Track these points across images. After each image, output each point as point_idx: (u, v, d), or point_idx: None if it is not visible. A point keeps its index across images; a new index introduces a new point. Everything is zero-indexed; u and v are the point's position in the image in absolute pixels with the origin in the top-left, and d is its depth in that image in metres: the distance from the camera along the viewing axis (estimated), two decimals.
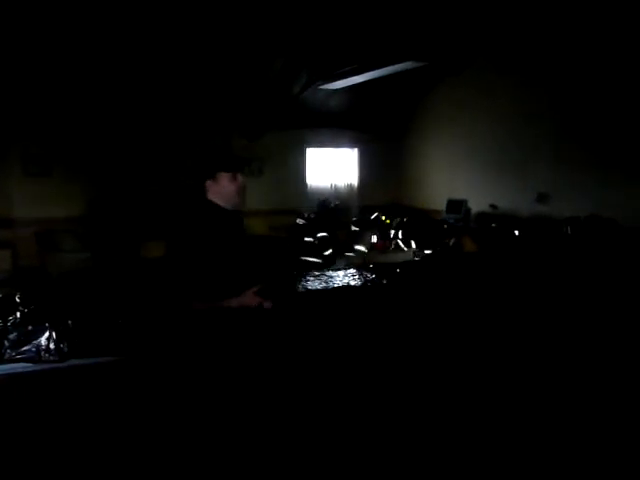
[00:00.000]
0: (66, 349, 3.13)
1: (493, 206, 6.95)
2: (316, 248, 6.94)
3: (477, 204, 7.25)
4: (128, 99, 6.91)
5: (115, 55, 6.00)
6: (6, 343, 3.08)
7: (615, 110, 5.63)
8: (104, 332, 3.28)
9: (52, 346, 3.10)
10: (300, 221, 7.41)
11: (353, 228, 7.70)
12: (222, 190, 2.70)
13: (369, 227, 7.62)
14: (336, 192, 9.11)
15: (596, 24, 5.61)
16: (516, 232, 6.04)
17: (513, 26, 6.25)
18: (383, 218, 7.54)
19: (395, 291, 4.15)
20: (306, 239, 7.21)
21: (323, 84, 7.18)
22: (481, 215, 7.08)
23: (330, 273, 4.50)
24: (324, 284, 4.16)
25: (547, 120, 6.44)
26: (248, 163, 2.92)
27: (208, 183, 2.70)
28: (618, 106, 5.59)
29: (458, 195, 7.50)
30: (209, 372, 3.33)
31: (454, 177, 7.83)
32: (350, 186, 9.24)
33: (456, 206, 7.39)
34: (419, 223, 7.26)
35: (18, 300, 3.59)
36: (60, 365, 3.08)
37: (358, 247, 7.35)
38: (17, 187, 6.95)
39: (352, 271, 4.55)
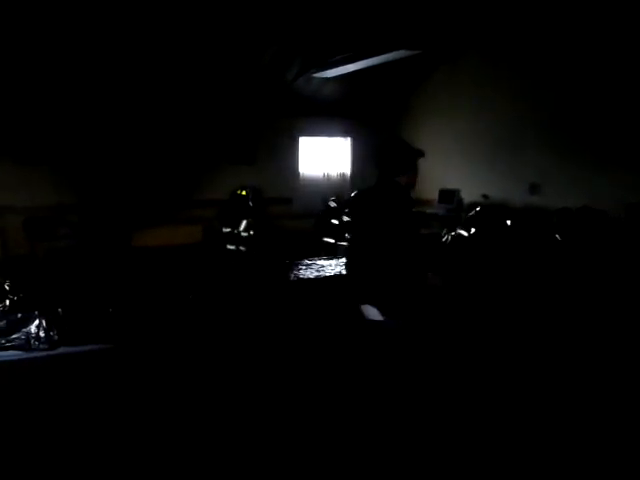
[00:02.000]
0: (56, 337, 3.12)
1: (485, 196, 6.97)
2: (341, 231, 7.28)
3: (469, 194, 7.25)
4: (118, 87, 6.83)
5: (104, 43, 5.92)
6: None
7: (608, 101, 5.63)
8: (94, 320, 3.26)
9: (42, 334, 3.09)
10: (332, 204, 7.84)
11: (345, 219, 7.75)
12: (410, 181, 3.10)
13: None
14: (329, 181, 9.09)
15: (589, 11, 5.60)
16: (508, 222, 6.06)
17: (505, 15, 6.23)
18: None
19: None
20: (333, 221, 7.46)
21: (316, 72, 7.12)
22: (473, 205, 7.09)
23: (322, 262, 4.50)
24: (316, 273, 4.16)
25: (540, 111, 6.44)
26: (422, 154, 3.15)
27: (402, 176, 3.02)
28: (611, 97, 5.60)
29: (450, 185, 7.49)
30: (200, 360, 3.33)
31: (447, 167, 7.83)
32: (343, 175, 9.22)
33: (448, 196, 7.40)
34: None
35: (7, 288, 3.57)
36: (50, 353, 3.07)
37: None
38: (5, 175, 6.87)
39: (344, 260, 4.56)
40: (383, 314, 2.79)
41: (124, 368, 3.15)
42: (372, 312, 2.81)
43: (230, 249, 7.57)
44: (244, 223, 7.64)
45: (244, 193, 7.88)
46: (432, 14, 5.99)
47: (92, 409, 3.00)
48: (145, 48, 6.14)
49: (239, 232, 7.61)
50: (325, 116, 8.61)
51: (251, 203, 7.84)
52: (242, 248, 7.55)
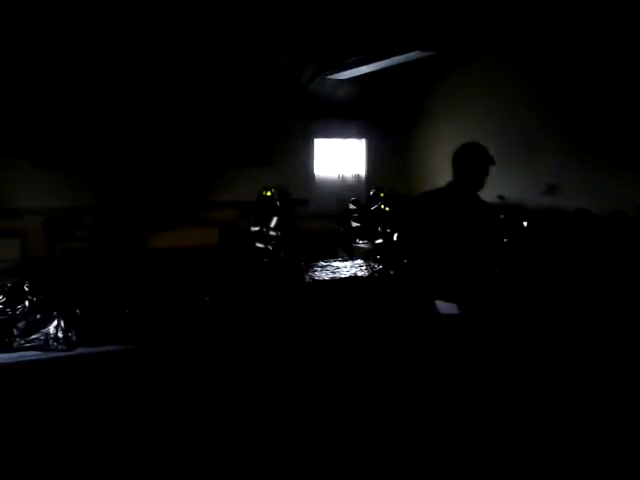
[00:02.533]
0: (74, 338, 3.16)
1: (501, 197, 6.90)
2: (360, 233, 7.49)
3: (485, 195, 7.18)
4: (135, 90, 6.91)
5: (124, 49, 5.99)
6: (15, 331, 3.11)
7: (625, 101, 5.55)
8: (111, 321, 3.30)
9: (60, 335, 3.13)
10: (352, 206, 7.97)
11: (353, 224, 7.80)
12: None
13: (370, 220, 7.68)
14: (344, 183, 9.08)
15: (603, 12, 5.53)
16: (524, 223, 6.00)
17: (521, 15, 6.17)
18: (383, 207, 7.63)
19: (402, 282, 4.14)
20: (353, 224, 7.64)
21: (331, 74, 7.13)
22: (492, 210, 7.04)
23: (337, 264, 4.50)
24: (331, 274, 4.16)
25: (556, 111, 6.37)
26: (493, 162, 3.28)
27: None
28: (628, 97, 5.52)
29: None
30: (217, 361, 3.35)
31: None
32: (358, 177, 9.21)
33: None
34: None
35: (27, 289, 3.62)
36: (68, 353, 3.11)
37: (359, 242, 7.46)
38: (25, 177, 6.98)
39: (359, 262, 4.55)
40: (459, 308, 2.90)
41: (141, 369, 3.18)
42: (446, 307, 2.91)
43: (259, 247, 7.63)
44: (274, 220, 7.69)
45: (269, 194, 7.93)
46: (447, 15, 5.97)
47: (110, 409, 3.04)
48: (162, 52, 6.21)
49: (268, 230, 7.67)
50: (340, 118, 8.61)
51: (278, 203, 7.90)
52: (270, 247, 7.60)
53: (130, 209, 7.38)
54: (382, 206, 7.78)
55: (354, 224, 7.78)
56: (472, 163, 3.15)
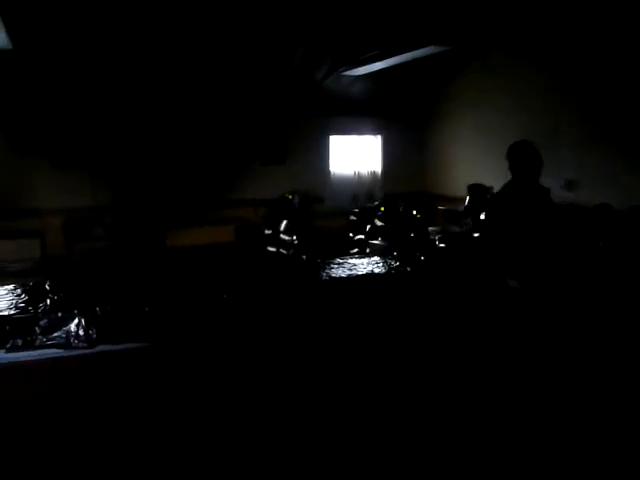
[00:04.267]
0: (95, 335, 3.19)
1: None
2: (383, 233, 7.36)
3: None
4: (152, 90, 6.96)
5: (142, 49, 6.04)
6: (37, 329, 3.16)
7: None
8: (131, 319, 3.33)
9: (81, 332, 3.17)
10: (368, 204, 7.99)
11: (378, 223, 7.71)
12: None
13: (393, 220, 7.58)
14: (360, 179, 9.06)
15: (623, 5, 5.42)
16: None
17: (536, 8, 6.08)
18: (414, 213, 7.46)
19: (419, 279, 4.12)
20: (377, 223, 7.59)
21: (346, 71, 7.11)
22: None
23: (354, 261, 4.48)
24: (348, 272, 4.15)
25: (574, 106, 6.27)
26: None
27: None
28: None
29: (481, 181, 7.36)
30: (232, 358, 3.36)
31: (477, 164, 7.70)
32: (374, 174, 9.18)
33: (480, 192, 7.25)
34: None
35: (48, 288, 3.68)
36: (89, 351, 3.15)
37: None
38: (45, 178, 7.09)
39: (376, 259, 4.53)
40: (523, 285, 3.38)
41: (161, 366, 3.21)
42: (514, 284, 3.40)
43: (270, 251, 7.61)
44: (284, 224, 7.68)
45: (290, 197, 7.94)
46: (461, 10, 5.90)
47: (130, 405, 3.07)
48: (180, 51, 6.24)
49: (279, 233, 7.66)
50: (355, 114, 8.59)
51: (297, 207, 7.90)
52: (283, 251, 7.58)
53: (147, 208, 7.45)
54: (414, 212, 7.67)
55: (379, 223, 7.68)
56: (528, 159, 3.56)
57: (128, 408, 3.05)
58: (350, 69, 7.04)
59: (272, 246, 7.68)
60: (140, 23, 5.57)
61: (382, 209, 7.51)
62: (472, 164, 7.87)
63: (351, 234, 7.89)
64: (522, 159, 3.55)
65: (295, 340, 3.56)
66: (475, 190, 7.03)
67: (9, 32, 4.95)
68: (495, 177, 7.39)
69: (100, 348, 3.14)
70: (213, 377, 3.24)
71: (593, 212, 5.43)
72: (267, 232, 7.79)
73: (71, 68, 6.29)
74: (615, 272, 4.20)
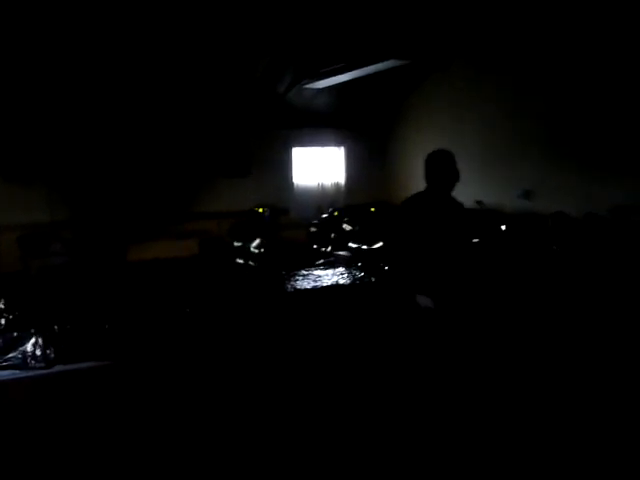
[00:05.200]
0: (52, 355, 3.09)
1: (479, 202, 6.99)
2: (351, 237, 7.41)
3: (463, 200, 7.26)
4: (110, 100, 6.83)
5: (96, 60, 5.93)
6: None
7: (599, 108, 5.67)
8: (90, 337, 3.24)
9: (38, 352, 3.06)
10: (330, 214, 8.02)
11: (346, 227, 7.75)
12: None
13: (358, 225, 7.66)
14: (323, 191, 9.10)
15: (582, 20, 5.66)
16: (502, 227, 6.08)
17: (496, 23, 6.28)
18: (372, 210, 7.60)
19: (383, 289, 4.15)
20: (345, 227, 7.61)
21: (308, 83, 7.16)
22: (468, 211, 7.11)
23: (318, 272, 4.49)
24: (313, 283, 4.15)
25: (531, 117, 6.48)
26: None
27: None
28: (603, 104, 5.64)
29: None
30: (198, 374, 3.31)
31: None
32: (337, 185, 9.24)
33: None
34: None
35: (2, 306, 3.55)
36: (47, 371, 3.04)
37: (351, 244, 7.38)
38: None
39: (341, 270, 4.55)
40: (436, 303, 3.15)
41: (122, 385, 3.13)
42: (425, 301, 3.17)
43: (239, 263, 7.55)
44: (257, 241, 7.63)
45: (261, 210, 7.91)
46: (421, 24, 6.04)
47: (89, 427, 2.97)
48: (138, 62, 6.16)
49: (250, 248, 7.61)
50: (318, 126, 8.65)
51: (268, 220, 7.88)
52: (251, 263, 7.53)
53: (108, 222, 7.29)
54: (372, 209, 7.81)
55: (347, 227, 7.72)
56: (444, 169, 3.42)
57: (88, 430, 2.95)
58: (312, 82, 7.09)
59: (241, 258, 7.63)
60: (100, 33, 5.47)
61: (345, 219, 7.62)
62: None
63: (315, 245, 7.91)
64: (436, 168, 3.44)
65: (261, 352, 3.52)
66: None
67: None
68: (457, 186, 7.58)
69: (58, 368, 3.04)
70: (177, 395, 3.17)
71: (549, 219, 5.62)
72: (236, 244, 7.73)
73: (23, 78, 6.12)
74: (569, 275, 4.34)
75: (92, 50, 5.78)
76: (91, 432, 2.95)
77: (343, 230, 7.71)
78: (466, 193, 7.25)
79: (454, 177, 3.45)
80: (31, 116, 6.77)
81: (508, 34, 6.45)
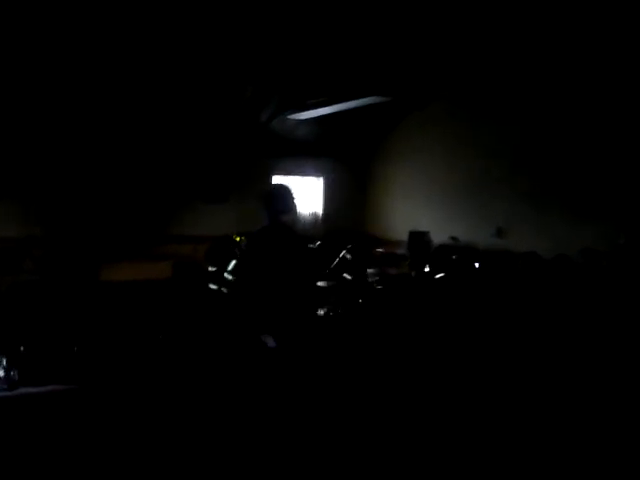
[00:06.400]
0: (16, 377, 3.01)
1: (454, 238, 7.12)
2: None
3: (438, 236, 7.39)
4: (87, 118, 6.80)
5: (75, 75, 5.93)
6: None
7: (573, 150, 5.89)
8: (58, 359, 3.17)
9: (1, 374, 2.98)
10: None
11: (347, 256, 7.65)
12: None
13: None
14: (302, 220, 9.14)
15: (552, 66, 5.92)
16: (476, 264, 6.18)
17: (472, 67, 6.52)
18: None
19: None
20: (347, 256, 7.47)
21: (291, 114, 7.28)
22: (442, 247, 7.22)
23: None
24: None
25: (506, 157, 6.70)
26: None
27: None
28: (576, 146, 5.86)
29: (420, 227, 7.64)
30: (168, 402, 3.25)
31: (417, 209, 8.00)
32: (315, 214, 9.31)
33: (418, 238, 7.50)
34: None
35: None
36: (9, 393, 2.96)
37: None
38: None
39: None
40: (276, 341, 3.13)
41: (88, 410, 3.05)
42: (270, 340, 3.14)
43: (212, 288, 7.42)
44: (232, 264, 7.52)
45: (238, 239, 7.83)
46: (403, 64, 6.25)
47: (52, 453, 2.88)
48: (119, 82, 6.19)
49: (224, 273, 7.49)
50: (298, 156, 8.75)
51: (244, 247, 7.77)
52: (224, 289, 7.40)
53: (81, 241, 7.17)
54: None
55: (348, 256, 7.60)
56: (284, 202, 3.45)
57: (50, 456, 2.86)
58: (295, 113, 7.21)
59: (214, 284, 7.51)
60: (77, 51, 5.48)
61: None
62: (411, 208, 8.16)
63: None
64: (271, 202, 3.45)
65: (234, 382, 3.48)
66: (414, 236, 7.27)
67: None
68: (433, 222, 7.73)
69: (21, 390, 2.96)
70: (146, 423, 3.11)
71: (520, 259, 5.73)
72: (211, 269, 7.63)
73: None
74: (534, 316, 4.42)
75: (67, 69, 5.78)
76: (52, 456, 2.86)
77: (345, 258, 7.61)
78: (442, 229, 7.47)
79: (290, 211, 3.47)
80: (3, 130, 6.68)
81: (483, 78, 6.70)
